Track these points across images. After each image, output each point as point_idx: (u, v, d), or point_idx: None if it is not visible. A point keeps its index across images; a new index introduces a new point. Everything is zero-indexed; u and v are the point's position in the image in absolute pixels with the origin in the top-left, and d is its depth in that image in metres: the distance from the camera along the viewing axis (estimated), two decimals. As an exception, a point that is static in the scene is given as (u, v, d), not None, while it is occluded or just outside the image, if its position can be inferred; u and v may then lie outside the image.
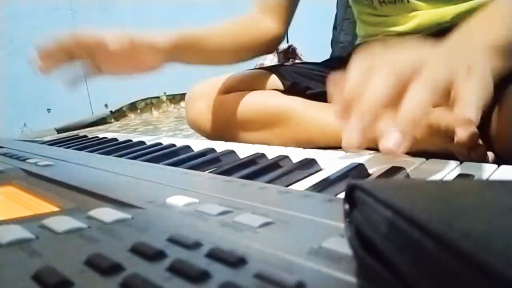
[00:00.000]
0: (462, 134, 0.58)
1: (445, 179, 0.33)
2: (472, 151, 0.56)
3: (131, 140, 0.62)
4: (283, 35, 0.83)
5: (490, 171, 0.34)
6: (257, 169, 0.38)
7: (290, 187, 0.34)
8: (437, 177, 0.34)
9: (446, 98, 0.32)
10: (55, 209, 0.27)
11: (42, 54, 0.60)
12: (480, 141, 0.56)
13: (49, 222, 0.20)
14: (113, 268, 0.15)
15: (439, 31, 0.58)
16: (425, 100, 0.31)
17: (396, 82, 0.31)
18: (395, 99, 0.31)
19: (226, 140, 0.58)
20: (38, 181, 0.35)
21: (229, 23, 0.77)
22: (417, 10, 0.72)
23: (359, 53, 0.35)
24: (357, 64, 0.35)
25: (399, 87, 0.31)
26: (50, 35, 0.59)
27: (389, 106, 0.32)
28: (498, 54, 0.39)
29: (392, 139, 0.29)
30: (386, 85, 0.31)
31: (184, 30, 0.67)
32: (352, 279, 0.14)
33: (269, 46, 0.82)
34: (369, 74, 0.33)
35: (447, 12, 0.69)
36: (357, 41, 0.88)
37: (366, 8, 0.79)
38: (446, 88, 0.32)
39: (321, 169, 0.38)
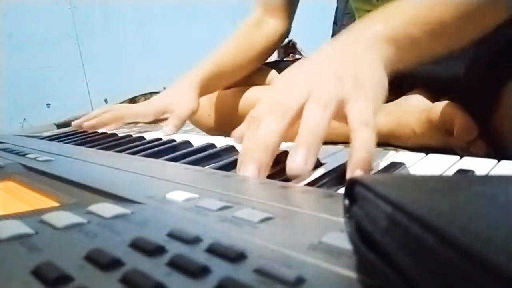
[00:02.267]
0: (461, 129, 0.58)
1: (445, 174, 0.33)
2: (471, 146, 0.56)
3: (130, 135, 0.62)
4: (288, 32, 0.85)
5: (490, 166, 0.34)
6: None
7: (290, 182, 0.34)
8: (437, 172, 0.34)
9: (340, 113, 0.33)
10: (55, 204, 0.27)
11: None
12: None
13: (48, 217, 0.20)
14: (112, 263, 0.15)
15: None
16: (320, 117, 0.32)
17: (291, 121, 0.33)
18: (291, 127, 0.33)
19: (226, 135, 0.58)
20: (37, 176, 0.35)
21: (238, 38, 0.81)
22: None
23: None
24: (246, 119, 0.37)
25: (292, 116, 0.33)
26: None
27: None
28: (391, 44, 0.39)
29: (297, 158, 0.30)
30: (278, 121, 0.33)
31: (204, 66, 0.75)
32: (352, 274, 0.14)
33: (278, 45, 0.86)
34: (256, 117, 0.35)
35: None
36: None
37: (364, 4, 0.79)
38: (338, 103, 0.33)
39: (321, 164, 0.38)
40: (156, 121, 0.70)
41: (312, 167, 0.31)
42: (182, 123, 0.67)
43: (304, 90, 0.34)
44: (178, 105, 0.68)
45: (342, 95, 0.33)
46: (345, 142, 0.63)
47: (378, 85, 0.36)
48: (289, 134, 0.34)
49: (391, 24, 0.40)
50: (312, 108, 0.33)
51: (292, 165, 0.30)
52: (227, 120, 0.81)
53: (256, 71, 0.83)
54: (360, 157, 0.30)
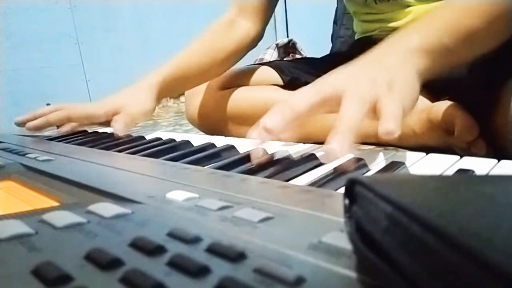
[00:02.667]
0: (462, 128, 0.58)
1: (445, 174, 0.33)
2: (472, 145, 0.56)
3: (131, 135, 0.62)
4: (261, 35, 0.83)
5: (490, 166, 0.34)
6: (257, 164, 0.38)
7: (290, 182, 0.34)
8: (437, 172, 0.34)
9: (373, 111, 0.36)
10: (55, 204, 0.27)
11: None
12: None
13: (48, 217, 0.20)
14: (113, 263, 0.15)
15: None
16: (357, 110, 0.34)
17: (322, 100, 0.37)
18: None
19: (225, 135, 0.58)
20: (37, 176, 0.35)
21: (206, 39, 0.78)
22: (411, 6, 0.72)
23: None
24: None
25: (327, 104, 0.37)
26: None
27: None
28: (424, 56, 0.42)
29: (334, 145, 0.32)
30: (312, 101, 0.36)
31: (166, 69, 0.71)
32: (352, 273, 0.14)
33: (249, 48, 0.82)
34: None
35: None
36: (356, 36, 0.88)
37: (362, 7, 0.79)
38: (372, 101, 0.35)
39: (321, 164, 0.38)
40: (109, 123, 0.64)
41: (346, 152, 0.33)
42: (133, 123, 0.63)
43: (342, 86, 0.37)
44: (131, 106, 0.64)
45: (375, 95, 0.36)
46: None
47: (409, 91, 0.39)
48: (298, 134, 0.38)
49: (424, 37, 0.43)
50: (348, 103, 0.35)
51: (329, 150, 0.32)
52: (226, 120, 0.81)
53: (255, 71, 0.83)
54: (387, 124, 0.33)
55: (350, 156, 0.38)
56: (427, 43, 0.43)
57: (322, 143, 0.35)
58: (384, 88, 0.36)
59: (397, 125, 0.33)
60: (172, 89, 0.73)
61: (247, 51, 0.82)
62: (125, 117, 0.62)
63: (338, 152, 0.32)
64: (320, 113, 0.38)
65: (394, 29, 0.74)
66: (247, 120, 0.78)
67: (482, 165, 0.34)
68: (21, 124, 0.65)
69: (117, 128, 0.60)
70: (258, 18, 0.80)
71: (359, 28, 0.85)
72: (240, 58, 0.82)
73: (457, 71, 0.64)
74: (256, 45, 0.82)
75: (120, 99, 0.66)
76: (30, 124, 0.66)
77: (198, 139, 0.53)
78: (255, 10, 0.79)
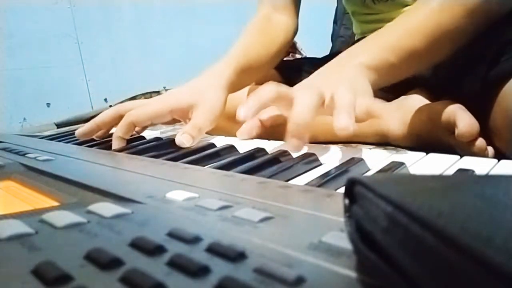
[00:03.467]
0: (463, 127, 0.58)
1: (445, 173, 0.33)
2: (472, 145, 0.56)
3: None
4: (297, 26, 0.84)
5: (490, 166, 0.34)
6: (257, 163, 0.38)
7: (290, 181, 0.34)
8: (436, 171, 0.34)
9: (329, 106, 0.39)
10: (55, 203, 0.27)
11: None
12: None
13: (48, 216, 0.20)
14: (112, 263, 0.15)
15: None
16: (307, 102, 0.38)
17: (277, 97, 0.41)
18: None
19: (225, 135, 0.58)
20: (37, 175, 0.35)
21: (257, 33, 0.75)
22: (409, 5, 0.72)
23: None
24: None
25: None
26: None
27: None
28: (372, 72, 0.49)
29: (290, 142, 0.37)
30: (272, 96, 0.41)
31: (232, 62, 0.63)
32: (352, 273, 0.14)
33: (292, 39, 0.83)
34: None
35: None
36: (356, 37, 0.88)
37: (360, 8, 0.79)
38: (325, 93, 0.40)
39: (321, 164, 0.38)
40: (175, 121, 0.56)
41: (302, 147, 0.38)
42: (200, 135, 0.52)
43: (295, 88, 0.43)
44: (199, 110, 0.54)
45: (329, 88, 0.41)
46: (345, 142, 0.63)
47: (366, 90, 0.44)
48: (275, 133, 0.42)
49: (371, 55, 0.50)
50: (299, 97, 0.39)
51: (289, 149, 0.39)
52: (226, 119, 0.81)
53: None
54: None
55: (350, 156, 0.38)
56: (373, 59, 0.49)
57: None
58: (338, 84, 0.41)
59: (350, 112, 0.36)
60: (240, 82, 0.64)
61: (291, 43, 0.85)
62: (192, 130, 0.51)
63: (295, 149, 0.37)
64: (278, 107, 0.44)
65: None
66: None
67: (482, 165, 0.34)
68: (83, 136, 0.56)
69: (184, 140, 0.49)
70: (292, 11, 0.82)
71: (358, 29, 0.85)
72: (287, 50, 0.84)
73: (457, 72, 0.64)
74: (295, 35, 0.84)
75: (188, 96, 0.55)
76: (98, 135, 0.57)
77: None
78: (288, 4, 0.82)
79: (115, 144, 0.52)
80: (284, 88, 0.42)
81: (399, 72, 0.52)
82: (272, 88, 0.41)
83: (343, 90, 0.39)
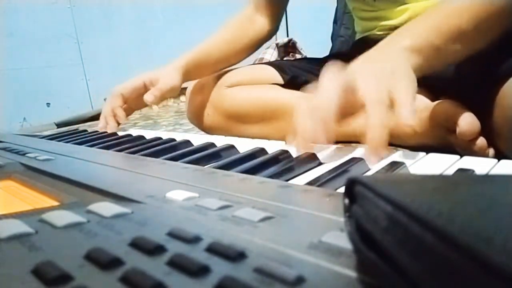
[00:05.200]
0: (464, 126, 0.58)
1: (445, 173, 0.33)
2: (473, 144, 0.56)
3: (130, 135, 0.62)
4: (276, 30, 0.90)
5: (490, 166, 0.34)
6: (257, 163, 0.38)
7: (290, 181, 0.34)
8: (437, 171, 0.34)
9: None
10: (55, 203, 0.27)
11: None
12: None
13: (48, 216, 0.20)
14: (112, 263, 0.15)
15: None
16: (380, 114, 0.36)
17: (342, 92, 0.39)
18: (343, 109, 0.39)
19: (225, 135, 0.58)
20: (37, 175, 0.35)
21: (227, 30, 0.87)
22: (408, 3, 0.72)
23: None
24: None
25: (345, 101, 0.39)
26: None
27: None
28: (415, 54, 0.45)
29: (375, 156, 0.36)
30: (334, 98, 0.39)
31: (190, 54, 0.80)
32: (352, 273, 0.14)
33: (264, 41, 0.90)
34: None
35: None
36: (356, 37, 0.88)
37: (360, 4, 0.80)
38: (388, 96, 0.38)
39: (321, 164, 0.38)
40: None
41: (382, 155, 0.37)
42: (162, 96, 0.73)
43: (353, 76, 0.40)
44: (162, 80, 0.74)
45: (387, 87, 0.38)
46: (345, 141, 0.63)
47: (410, 77, 0.42)
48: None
49: (415, 37, 0.47)
50: (371, 110, 0.37)
51: (368, 158, 0.37)
52: (226, 119, 0.81)
53: (256, 71, 0.83)
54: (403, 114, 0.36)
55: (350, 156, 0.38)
56: (417, 43, 0.46)
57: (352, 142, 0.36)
58: (392, 77, 0.39)
59: (413, 114, 0.36)
60: (194, 73, 0.81)
61: (263, 43, 0.90)
62: (155, 91, 0.72)
63: (375, 158, 0.36)
64: (343, 105, 0.40)
65: (393, 28, 0.74)
66: (247, 119, 0.78)
67: (482, 165, 0.34)
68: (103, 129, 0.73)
69: (148, 98, 0.71)
70: (272, 14, 0.87)
71: (358, 27, 0.85)
72: (256, 49, 0.90)
73: (458, 70, 0.64)
74: (271, 38, 0.90)
75: (154, 73, 0.76)
76: (110, 127, 0.73)
77: (198, 138, 0.53)
78: (269, 8, 0.87)
79: (113, 125, 0.72)
80: (345, 79, 0.40)
81: (445, 55, 0.49)
82: (335, 88, 0.39)
83: (401, 89, 0.38)
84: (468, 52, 0.50)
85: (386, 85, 0.38)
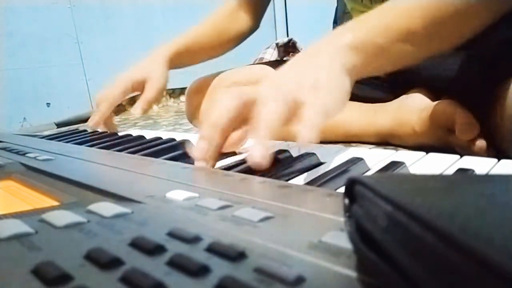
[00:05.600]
0: (463, 126, 0.58)
1: (445, 173, 0.33)
2: (472, 144, 0.56)
3: (130, 135, 0.62)
4: (257, 26, 0.92)
5: (490, 166, 0.34)
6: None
7: (290, 181, 0.34)
8: (436, 171, 0.34)
9: (294, 114, 0.35)
10: (55, 203, 0.27)
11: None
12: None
13: (48, 216, 0.20)
14: (112, 263, 0.15)
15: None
16: (274, 109, 0.34)
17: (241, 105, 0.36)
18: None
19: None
20: (37, 175, 0.35)
21: (212, 22, 0.88)
22: None
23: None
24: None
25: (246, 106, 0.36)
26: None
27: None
28: (355, 53, 0.41)
29: (256, 152, 0.32)
30: (231, 107, 0.36)
31: (177, 42, 0.81)
32: (352, 273, 0.14)
33: (246, 36, 0.91)
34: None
35: None
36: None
37: (359, 5, 0.80)
38: (294, 102, 0.35)
39: (321, 163, 0.38)
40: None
41: (266, 156, 0.32)
42: (150, 105, 0.73)
43: (263, 88, 0.37)
44: (147, 81, 0.73)
45: (298, 97, 0.35)
46: (345, 141, 0.63)
47: (335, 93, 0.38)
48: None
49: (357, 34, 0.42)
50: (266, 103, 0.35)
51: (249, 158, 0.32)
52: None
53: (255, 71, 0.83)
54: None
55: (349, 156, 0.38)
56: (359, 40, 0.42)
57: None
58: (308, 90, 0.36)
59: (314, 134, 0.32)
60: (182, 60, 0.82)
61: (245, 38, 0.91)
62: (143, 103, 0.72)
63: (258, 158, 0.32)
64: (242, 119, 0.37)
65: None
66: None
67: (482, 165, 0.34)
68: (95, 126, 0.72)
69: (136, 113, 0.71)
70: (253, 9, 0.89)
71: None
72: (240, 43, 0.91)
73: (458, 71, 0.64)
74: (252, 33, 0.91)
75: (140, 72, 0.75)
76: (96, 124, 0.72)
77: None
78: (251, 5, 0.88)
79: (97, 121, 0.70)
80: (246, 94, 0.37)
81: (390, 56, 0.44)
82: (232, 102, 0.36)
83: (312, 106, 0.35)
84: (423, 54, 0.46)
85: (294, 98, 0.35)
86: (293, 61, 0.42)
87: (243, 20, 0.88)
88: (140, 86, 0.74)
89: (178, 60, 0.80)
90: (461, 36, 0.46)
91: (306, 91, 0.36)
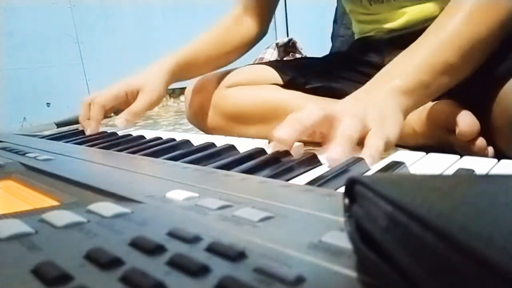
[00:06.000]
0: (463, 126, 0.58)
1: (445, 173, 0.33)
2: (472, 144, 0.56)
3: (130, 135, 0.62)
4: (265, 32, 0.89)
5: (490, 166, 0.34)
6: (257, 163, 0.38)
7: (290, 181, 0.34)
8: (437, 171, 0.34)
9: (361, 139, 0.40)
10: (55, 203, 0.27)
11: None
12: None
13: (48, 216, 0.20)
14: (112, 262, 0.15)
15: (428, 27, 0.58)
16: (353, 125, 0.39)
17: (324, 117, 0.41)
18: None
19: (225, 135, 0.58)
20: (37, 175, 0.35)
21: (215, 32, 0.85)
22: (405, 7, 0.72)
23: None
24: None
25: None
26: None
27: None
28: (406, 95, 0.47)
29: (334, 152, 0.37)
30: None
31: (179, 54, 0.79)
32: (352, 273, 0.14)
33: (253, 43, 0.88)
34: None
35: (435, 7, 0.69)
36: (355, 37, 0.88)
37: (358, 7, 0.80)
38: (365, 127, 0.40)
39: (321, 164, 0.38)
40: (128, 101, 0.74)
41: (343, 159, 0.36)
42: (135, 118, 0.71)
43: (340, 109, 0.42)
44: (141, 89, 0.72)
45: (368, 124, 0.41)
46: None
47: (395, 127, 0.44)
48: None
49: (404, 78, 0.47)
50: (347, 120, 0.40)
51: (330, 158, 0.37)
52: (226, 119, 0.81)
53: (255, 71, 0.83)
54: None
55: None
56: (408, 83, 0.47)
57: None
58: (373, 119, 0.41)
59: (377, 157, 0.37)
60: (183, 73, 0.80)
61: (252, 46, 0.89)
62: (128, 115, 0.70)
63: (337, 159, 0.36)
64: (319, 130, 0.43)
65: (390, 31, 0.75)
66: (247, 119, 0.78)
67: (482, 165, 0.34)
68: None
69: (120, 125, 0.68)
70: (261, 17, 0.86)
71: (356, 29, 0.85)
72: (245, 52, 0.88)
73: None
74: (260, 40, 0.89)
75: (137, 81, 0.74)
76: (91, 130, 0.70)
77: (198, 138, 0.53)
78: (258, 10, 0.85)
79: (92, 126, 0.68)
80: (329, 110, 0.41)
81: (433, 90, 0.50)
82: (318, 112, 0.41)
83: (377, 134, 0.40)
84: (455, 83, 0.51)
85: (365, 125, 0.40)
86: (354, 96, 0.47)
87: (249, 26, 0.86)
88: (133, 95, 0.72)
89: (181, 73, 0.79)
90: (485, 58, 0.52)
91: (371, 120, 0.41)
